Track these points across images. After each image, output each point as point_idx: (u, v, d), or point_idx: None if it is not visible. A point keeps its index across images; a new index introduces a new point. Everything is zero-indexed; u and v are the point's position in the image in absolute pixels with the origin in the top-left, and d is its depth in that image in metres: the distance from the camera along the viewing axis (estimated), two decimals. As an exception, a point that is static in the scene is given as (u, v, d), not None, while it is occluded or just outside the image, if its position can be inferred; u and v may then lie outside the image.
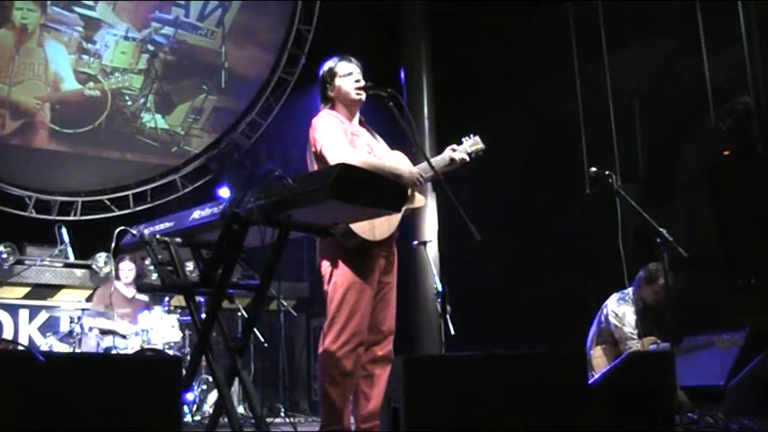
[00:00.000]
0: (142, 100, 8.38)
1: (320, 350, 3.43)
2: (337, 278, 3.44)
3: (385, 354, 3.55)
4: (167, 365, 2.48)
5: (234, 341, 3.10)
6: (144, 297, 6.60)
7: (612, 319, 5.21)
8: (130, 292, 6.57)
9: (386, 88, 3.52)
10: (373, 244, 3.43)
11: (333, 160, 3.32)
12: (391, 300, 3.61)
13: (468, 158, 3.71)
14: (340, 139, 3.44)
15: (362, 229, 3.35)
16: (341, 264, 3.44)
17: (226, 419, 3.06)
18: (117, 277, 6.59)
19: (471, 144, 3.76)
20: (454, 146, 3.74)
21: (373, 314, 3.49)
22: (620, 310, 5.21)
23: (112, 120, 8.17)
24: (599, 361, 5.20)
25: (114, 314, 6.17)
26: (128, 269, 6.56)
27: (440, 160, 3.68)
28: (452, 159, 3.67)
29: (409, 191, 3.52)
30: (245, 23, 8.74)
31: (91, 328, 6.08)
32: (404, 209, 3.43)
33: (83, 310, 6.08)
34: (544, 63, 7.44)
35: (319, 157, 3.44)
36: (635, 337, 5.12)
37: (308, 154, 3.56)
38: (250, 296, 3.34)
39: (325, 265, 3.50)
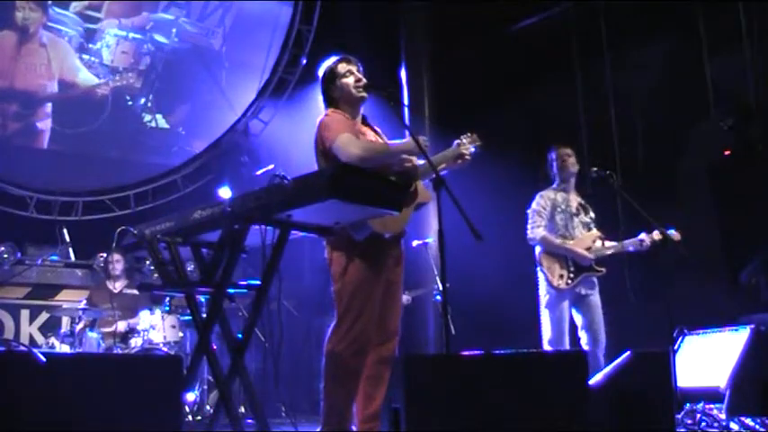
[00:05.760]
0: (143, 100, 8.38)
1: (326, 350, 3.41)
2: (346, 278, 3.42)
3: (390, 354, 3.55)
4: (168, 365, 2.48)
5: (234, 341, 3.11)
6: (133, 291, 6.36)
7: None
8: (117, 285, 6.46)
9: (385, 87, 3.53)
10: (383, 241, 3.42)
11: (344, 153, 3.31)
12: (397, 299, 3.61)
13: (471, 152, 3.72)
14: (348, 132, 3.43)
15: (373, 221, 3.33)
16: (350, 263, 3.42)
17: (226, 419, 3.06)
18: (107, 273, 6.53)
19: (470, 141, 3.77)
20: (457, 141, 3.75)
21: (380, 313, 3.47)
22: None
23: (113, 120, 8.17)
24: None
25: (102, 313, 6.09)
26: (116, 261, 6.47)
27: (441, 157, 3.67)
28: (462, 150, 3.66)
29: (414, 186, 3.53)
30: (245, 23, 8.74)
31: (91, 329, 6.07)
32: (414, 204, 3.44)
33: (83, 310, 6.07)
34: (544, 63, 7.44)
35: (329, 154, 3.42)
36: (532, 224, 5.16)
37: (314, 154, 3.56)
38: (251, 296, 3.34)
39: (334, 265, 3.48)
